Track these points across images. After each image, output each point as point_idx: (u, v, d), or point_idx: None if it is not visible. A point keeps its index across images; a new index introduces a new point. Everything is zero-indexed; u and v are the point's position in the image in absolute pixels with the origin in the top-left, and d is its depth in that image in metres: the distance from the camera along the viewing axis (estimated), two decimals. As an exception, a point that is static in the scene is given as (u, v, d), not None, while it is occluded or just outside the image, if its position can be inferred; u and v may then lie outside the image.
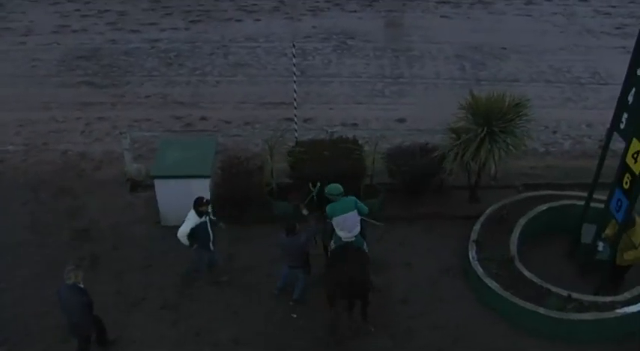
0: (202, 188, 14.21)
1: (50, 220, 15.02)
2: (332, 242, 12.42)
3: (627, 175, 11.76)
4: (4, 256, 14.04)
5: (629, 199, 11.76)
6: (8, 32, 23.18)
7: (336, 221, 12.15)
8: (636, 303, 12.33)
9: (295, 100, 15.59)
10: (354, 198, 12.35)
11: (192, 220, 12.53)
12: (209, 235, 12.84)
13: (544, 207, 14.40)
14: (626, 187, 11.83)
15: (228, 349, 12.19)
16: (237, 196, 14.44)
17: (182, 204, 13.74)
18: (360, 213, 12.26)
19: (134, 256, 14.05)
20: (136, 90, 19.99)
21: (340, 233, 12.17)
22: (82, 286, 11.18)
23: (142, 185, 15.88)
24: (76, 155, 17.25)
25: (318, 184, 13.69)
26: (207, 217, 12.75)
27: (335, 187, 12.25)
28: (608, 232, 12.89)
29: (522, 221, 14.03)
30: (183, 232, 12.55)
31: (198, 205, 12.51)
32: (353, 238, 12.17)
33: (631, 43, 11.91)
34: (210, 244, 12.97)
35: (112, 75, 20.68)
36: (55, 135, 18.01)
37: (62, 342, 12.21)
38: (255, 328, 12.55)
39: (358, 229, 12.27)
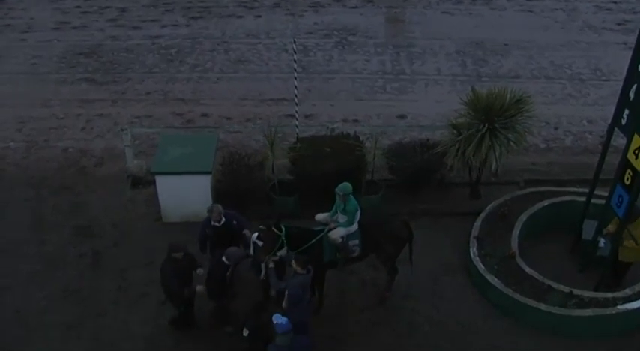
0: (203, 185, 14.23)
1: (51, 217, 15.04)
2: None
3: (628, 171, 11.75)
4: (6, 253, 14.08)
5: (631, 195, 11.74)
6: (9, 29, 23.15)
7: (357, 215, 12.17)
8: (637, 299, 12.33)
9: (296, 96, 15.58)
10: None
11: None
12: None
13: (545, 203, 14.40)
14: (627, 183, 11.81)
15: (229, 343, 12.13)
16: (238, 192, 14.43)
17: (183, 200, 13.79)
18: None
19: (135, 253, 14.06)
20: (137, 87, 19.97)
21: (353, 227, 12.20)
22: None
23: (143, 182, 15.87)
24: (77, 152, 17.25)
25: (283, 228, 11.76)
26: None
27: (348, 186, 12.01)
28: (610, 228, 12.87)
29: (523, 217, 14.03)
30: None
31: None
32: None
33: (632, 39, 11.91)
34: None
35: (112, 72, 20.66)
36: (55, 132, 18.00)
37: (64, 339, 12.29)
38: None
39: None
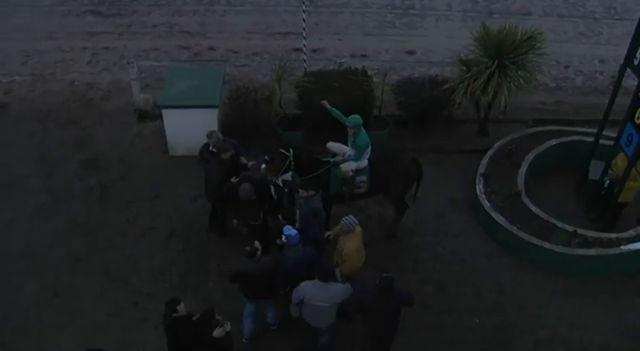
0: (210, 118, 14.18)
1: (57, 151, 15.04)
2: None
3: (639, 110, 11.65)
4: (12, 186, 14.12)
5: (641, 134, 11.67)
6: (12, -41, 22.78)
7: (367, 151, 12.06)
8: (641, 240, 12.40)
9: (304, 30, 15.37)
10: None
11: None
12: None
13: (553, 142, 14.34)
14: (637, 122, 11.72)
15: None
16: (245, 125, 14.37)
17: (190, 134, 13.74)
18: None
19: (142, 186, 14.11)
20: (143, 19, 19.72)
21: (363, 163, 12.11)
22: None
23: (149, 115, 15.81)
24: (83, 85, 17.14)
25: (291, 151, 11.73)
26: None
27: (357, 118, 11.81)
28: (614, 172, 12.79)
29: (530, 156, 13.99)
30: None
31: None
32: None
33: (649, -24, 11.65)
34: None
35: (117, 4, 20.37)
36: (61, 65, 17.84)
37: (71, 273, 12.43)
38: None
39: None
